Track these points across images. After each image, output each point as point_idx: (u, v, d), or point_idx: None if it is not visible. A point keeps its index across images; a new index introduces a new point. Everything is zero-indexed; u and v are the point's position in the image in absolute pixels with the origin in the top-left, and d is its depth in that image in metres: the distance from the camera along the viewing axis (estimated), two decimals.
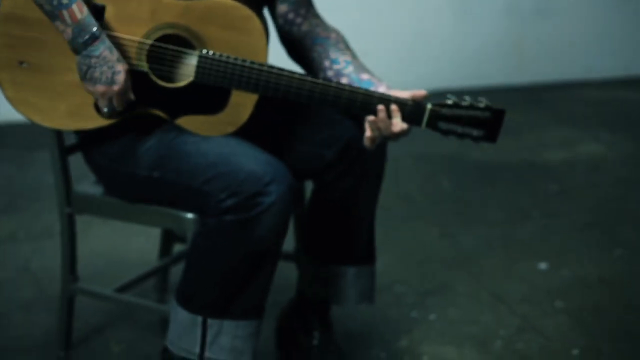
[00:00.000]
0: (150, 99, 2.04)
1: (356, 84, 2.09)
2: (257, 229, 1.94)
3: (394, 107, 2.00)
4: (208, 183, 1.97)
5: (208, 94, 2.03)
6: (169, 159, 2.04)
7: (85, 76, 1.95)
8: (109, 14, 1.98)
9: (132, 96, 1.99)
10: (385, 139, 2.04)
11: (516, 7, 5.60)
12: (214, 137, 2.05)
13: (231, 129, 2.06)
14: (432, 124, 2.00)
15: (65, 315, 2.47)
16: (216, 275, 2.00)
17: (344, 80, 2.12)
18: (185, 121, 2.06)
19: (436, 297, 2.84)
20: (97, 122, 2.05)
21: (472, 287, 2.90)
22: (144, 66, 2.01)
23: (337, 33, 2.25)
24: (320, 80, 2.01)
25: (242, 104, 2.04)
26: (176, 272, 2.89)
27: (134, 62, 2.01)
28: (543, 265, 3.05)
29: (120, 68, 1.95)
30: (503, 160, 4.14)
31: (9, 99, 2.04)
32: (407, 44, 5.40)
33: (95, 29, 1.92)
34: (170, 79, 2.05)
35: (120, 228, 3.39)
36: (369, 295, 2.36)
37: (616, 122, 4.85)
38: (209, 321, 2.02)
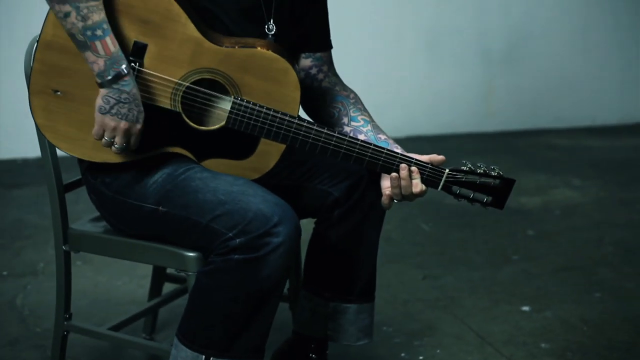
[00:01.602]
0: (179, 139, 2.08)
1: (374, 143, 2.16)
2: (263, 268, 1.96)
3: (414, 168, 2.09)
4: (216, 220, 1.99)
5: (236, 139, 2.08)
6: (177, 193, 2.06)
7: (111, 110, 1.97)
8: (149, 53, 2.01)
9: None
10: (404, 198, 2.12)
11: (488, 57, 5.72)
12: (223, 175, 2.08)
13: (255, 175, 2.11)
14: (447, 187, 2.12)
15: (58, 352, 2.46)
16: (220, 314, 2.01)
17: (361, 137, 2.19)
18: (210, 163, 2.10)
19: (423, 338, 2.87)
20: (124, 156, 2.08)
21: (458, 328, 2.94)
22: (178, 107, 2.05)
23: (355, 93, 2.33)
24: (346, 137, 2.09)
25: (269, 153, 2.09)
26: (165, 311, 2.91)
27: (169, 102, 2.04)
28: (526, 307, 3.10)
29: (142, 108, 1.99)
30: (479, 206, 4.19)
31: (39, 125, 2.06)
32: (379, 90, 5.48)
33: (125, 65, 1.95)
34: (202, 122, 2.08)
35: (104, 267, 3.39)
36: (369, 332, 2.39)
37: (586, 169, 4.95)
38: None
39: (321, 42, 2.33)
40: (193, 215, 2.03)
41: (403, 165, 2.10)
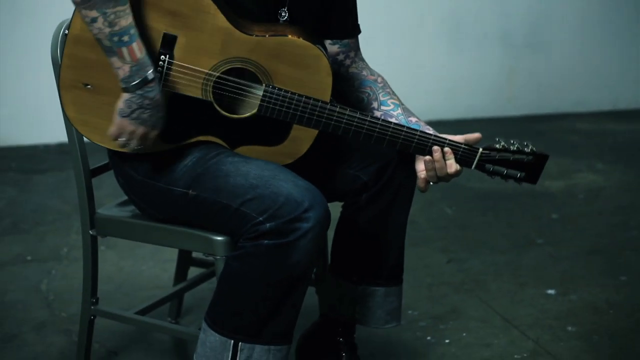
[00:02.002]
0: (212, 127, 2.07)
1: (406, 125, 2.15)
2: (293, 253, 1.96)
3: (447, 149, 2.09)
4: (246, 204, 1.98)
5: (269, 126, 2.07)
6: (207, 177, 2.05)
7: (132, 114, 1.97)
8: (179, 44, 2.00)
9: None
10: (439, 179, 2.12)
11: (509, 41, 5.69)
12: (254, 159, 2.07)
13: (288, 160, 2.10)
14: (481, 166, 2.13)
15: (85, 336, 2.46)
16: (250, 299, 2.00)
17: (392, 121, 2.17)
18: (243, 150, 2.09)
19: (449, 322, 2.86)
20: (156, 147, 2.08)
21: (484, 312, 2.93)
22: (209, 97, 2.04)
23: (382, 77, 2.32)
24: (379, 120, 2.08)
25: (302, 138, 2.09)
26: (190, 295, 2.91)
27: (200, 92, 2.03)
28: (551, 291, 3.09)
29: (163, 113, 1.99)
30: (502, 189, 4.17)
31: (70, 118, 2.06)
32: (400, 75, 5.44)
33: (151, 70, 1.94)
34: (234, 110, 2.08)
35: (127, 252, 3.40)
36: (397, 315, 2.39)
37: (609, 153, 4.92)
38: (241, 345, 2.02)
39: (349, 29, 2.31)
40: (224, 199, 2.02)
41: (435, 147, 2.09)
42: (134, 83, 1.93)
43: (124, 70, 1.93)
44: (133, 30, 1.92)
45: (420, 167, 2.15)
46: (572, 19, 5.79)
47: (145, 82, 1.94)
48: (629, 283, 3.16)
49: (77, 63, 2.01)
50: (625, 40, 5.92)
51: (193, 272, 2.83)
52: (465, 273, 3.25)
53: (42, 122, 4.87)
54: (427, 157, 2.10)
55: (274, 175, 2.01)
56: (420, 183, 2.15)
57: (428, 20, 5.54)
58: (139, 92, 1.94)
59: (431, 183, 2.15)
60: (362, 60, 2.35)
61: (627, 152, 4.95)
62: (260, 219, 1.96)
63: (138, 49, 1.92)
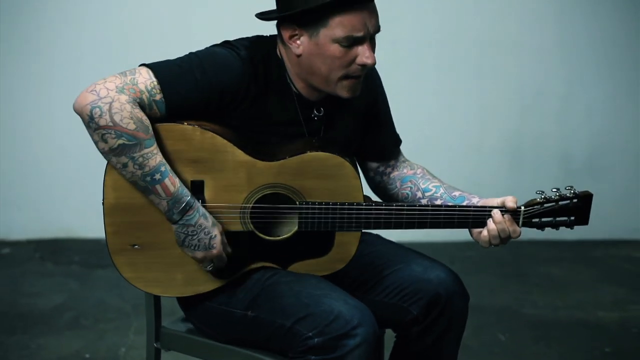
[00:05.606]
0: (261, 254, 2.18)
1: (450, 203, 2.24)
2: None
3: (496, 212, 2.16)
4: (299, 322, 2.07)
5: (313, 238, 2.17)
6: (264, 298, 2.15)
7: (184, 243, 2.10)
8: (208, 188, 2.12)
9: (229, 250, 2.13)
10: (501, 242, 2.19)
11: (568, 164, 5.74)
12: (307, 277, 2.16)
13: (340, 265, 2.20)
14: (527, 223, 2.18)
15: None
16: None
17: (438, 203, 2.26)
18: (296, 267, 2.19)
19: None
20: (213, 284, 2.20)
21: None
22: (250, 227, 2.15)
23: (422, 168, 2.42)
24: (414, 207, 2.16)
25: (348, 242, 2.18)
26: None
27: (240, 225, 2.14)
28: None
29: (216, 232, 2.09)
30: (555, 317, 4.18)
31: (128, 279, 2.18)
32: None
33: (188, 199, 2.06)
34: (276, 232, 2.17)
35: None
36: None
37: None
38: None
39: (386, 152, 2.43)
40: (279, 319, 2.11)
41: (495, 210, 2.16)
42: (174, 216, 2.07)
43: (162, 205, 2.07)
44: (163, 168, 2.05)
45: (484, 234, 2.20)
46: (631, 145, 5.84)
47: (184, 211, 2.06)
48: None
49: (119, 228, 2.14)
50: None
51: None
52: None
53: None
54: (498, 227, 2.15)
55: (325, 293, 2.09)
56: (483, 243, 2.20)
57: (489, 139, 5.63)
58: (181, 222, 2.07)
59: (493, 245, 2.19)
60: (403, 161, 2.45)
61: None
62: (310, 334, 2.04)
63: (171, 183, 2.05)
